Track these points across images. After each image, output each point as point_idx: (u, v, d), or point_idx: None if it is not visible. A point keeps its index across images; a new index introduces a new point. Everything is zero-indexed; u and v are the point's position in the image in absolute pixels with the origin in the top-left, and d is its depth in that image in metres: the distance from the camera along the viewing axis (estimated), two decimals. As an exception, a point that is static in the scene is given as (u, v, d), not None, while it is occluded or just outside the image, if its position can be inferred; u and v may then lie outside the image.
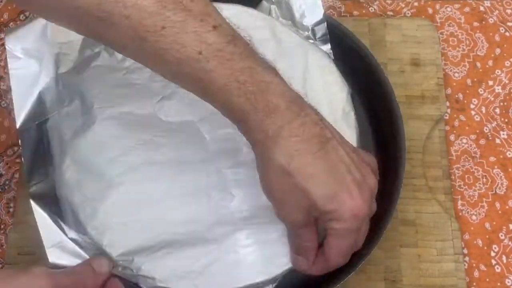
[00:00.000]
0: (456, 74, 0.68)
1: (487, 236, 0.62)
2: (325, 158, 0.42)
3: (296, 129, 0.41)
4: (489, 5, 0.71)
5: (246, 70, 0.41)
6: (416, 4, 0.71)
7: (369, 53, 0.59)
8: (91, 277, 0.46)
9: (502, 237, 0.62)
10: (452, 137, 0.65)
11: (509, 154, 0.65)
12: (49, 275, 0.44)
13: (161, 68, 0.44)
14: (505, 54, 0.68)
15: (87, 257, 0.48)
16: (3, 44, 0.70)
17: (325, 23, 0.58)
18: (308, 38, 0.58)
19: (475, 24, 0.70)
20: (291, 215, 0.44)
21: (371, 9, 0.71)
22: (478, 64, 0.68)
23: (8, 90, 0.68)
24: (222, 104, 0.43)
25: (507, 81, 0.67)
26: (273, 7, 0.59)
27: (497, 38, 0.69)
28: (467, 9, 0.71)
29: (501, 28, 0.70)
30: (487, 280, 0.60)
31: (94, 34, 0.44)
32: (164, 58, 0.41)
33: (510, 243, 0.61)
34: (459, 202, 0.63)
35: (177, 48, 0.41)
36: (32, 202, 0.49)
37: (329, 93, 0.55)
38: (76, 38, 0.53)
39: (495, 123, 0.66)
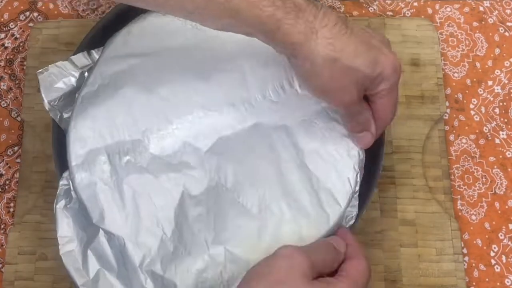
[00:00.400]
0: (456, 74, 0.68)
1: (486, 236, 0.62)
2: (354, 34, 0.46)
3: (322, 19, 0.45)
4: (488, 5, 0.71)
5: None
6: (415, 4, 0.71)
7: None
8: (334, 255, 0.45)
9: (502, 237, 0.62)
10: (451, 137, 0.65)
11: (509, 154, 0.65)
12: (303, 253, 0.43)
13: (187, 7, 0.45)
14: (504, 54, 0.69)
15: None
16: (3, 44, 0.70)
17: None
18: None
19: (475, 24, 0.70)
20: (347, 96, 0.47)
21: (371, 9, 0.71)
22: (478, 64, 0.68)
23: (8, 90, 0.68)
24: (254, 21, 0.44)
25: (506, 81, 0.68)
26: None
27: (496, 38, 0.69)
28: (466, 9, 0.71)
29: (500, 28, 0.70)
30: (487, 280, 0.60)
31: None
32: None
33: (509, 243, 0.62)
34: (459, 202, 0.63)
35: None
36: None
37: None
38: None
39: (495, 123, 0.66)
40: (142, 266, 0.48)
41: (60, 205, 0.52)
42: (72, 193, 0.52)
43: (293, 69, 0.48)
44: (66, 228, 0.51)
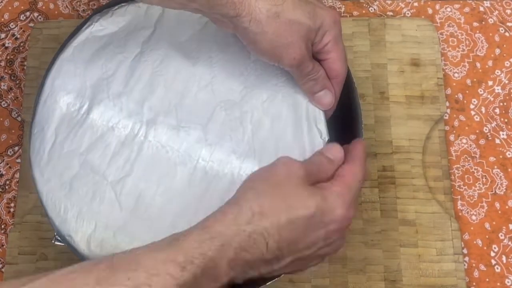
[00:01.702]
0: (456, 74, 0.68)
1: (486, 236, 0.62)
2: None
3: None
4: (489, 5, 0.71)
5: None
6: (416, 4, 0.71)
7: None
8: (328, 164, 0.48)
9: (502, 237, 0.62)
10: (452, 137, 0.65)
11: (509, 154, 0.65)
12: (299, 162, 0.46)
13: None
14: (504, 54, 0.69)
15: None
16: (3, 44, 0.70)
17: None
18: None
19: (475, 24, 0.70)
20: (297, 51, 0.48)
21: (371, 9, 0.71)
22: (478, 64, 0.68)
23: (8, 90, 0.68)
24: None
25: (506, 81, 0.68)
26: None
27: (496, 38, 0.69)
28: (467, 9, 0.71)
29: (500, 28, 0.70)
30: (487, 280, 0.60)
31: None
32: None
33: (509, 243, 0.62)
34: (459, 202, 0.63)
35: None
36: None
37: None
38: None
39: (495, 123, 0.66)
40: None
41: None
42: None
43: (240, 36, 0.49)
44: None
